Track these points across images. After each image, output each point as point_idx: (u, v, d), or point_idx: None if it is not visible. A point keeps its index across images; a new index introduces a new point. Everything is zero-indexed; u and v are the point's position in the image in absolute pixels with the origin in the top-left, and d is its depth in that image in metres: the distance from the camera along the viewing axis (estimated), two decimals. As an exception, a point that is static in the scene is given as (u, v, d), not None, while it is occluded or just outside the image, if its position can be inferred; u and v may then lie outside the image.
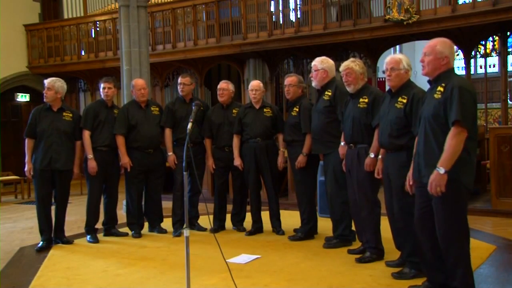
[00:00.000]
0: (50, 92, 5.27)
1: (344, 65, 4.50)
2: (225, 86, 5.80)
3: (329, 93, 4.82)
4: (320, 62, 4.92)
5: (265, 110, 5.57)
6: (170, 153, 5.70)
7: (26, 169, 5.25)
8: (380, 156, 4.09)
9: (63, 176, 5.34)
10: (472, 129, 3.12)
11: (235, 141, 5.62)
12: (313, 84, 4.98)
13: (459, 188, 3.15)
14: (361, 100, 4.39)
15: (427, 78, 3.41)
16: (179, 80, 5.83)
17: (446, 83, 3.17)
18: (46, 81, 5.33)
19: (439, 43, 3.29)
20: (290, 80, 5.35)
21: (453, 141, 3.05)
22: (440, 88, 3.20)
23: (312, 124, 5.00)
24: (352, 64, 4.45)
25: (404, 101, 3.79)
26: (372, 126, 4.28)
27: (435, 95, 3.21)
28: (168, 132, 5.72)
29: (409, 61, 3.91)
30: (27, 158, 5.25)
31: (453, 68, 3.33)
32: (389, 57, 3.99)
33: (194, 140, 5.65)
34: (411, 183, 3.49)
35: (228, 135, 5.68)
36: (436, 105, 3.19)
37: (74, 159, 5.41)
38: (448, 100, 3.11)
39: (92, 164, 5.43)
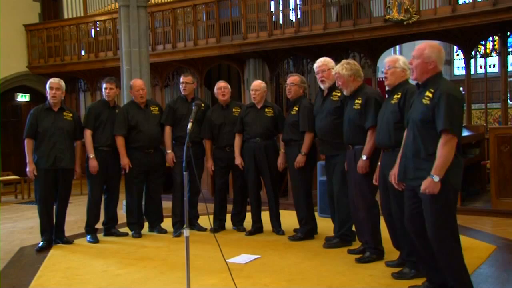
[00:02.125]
0: (58, 92, 5.31)
1: (334, 70, 4.57)
2: (225, 85, 5.81)
3: (338, 94, 4.79)
4: (330, 61, 4.93)
5: (266, 110, 5.57)
6: (168, 151, 5.69)
7: (28, 169, 5.22)
8: (379, 163, 4.08)
9: (66, 175, 5.35)
10: (460, 134, 3.18)
11: (237, 140, 5.62)
12: (325, 85, 4.87)
13: (448, 189, 3.19)
14: (356, 101, 4.41)
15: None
16: (181, 79, 5.83)
17: (435, 89, 3.22)
18: (53, 82, 5.32)
19: (428, 47, 3.33)
20: (292, 79, 5.35)
21: (444, 150, 3.11)
22: (428, 94, 3.24)
23: (318, 125, 4.94)
24: (339, 68, 4.49)
25: (398, 96, 3.84)
26: (366, 127, 4.29)
27: (424, 100, 3.25)
28: (168, 130, 5.71)
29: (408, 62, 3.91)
30: (28, 159, 5.23)
31: (440, 72, 3.37)
32: (388, 57, 4.07)
33: (193, 139, 5.64)
34: (395, 180, 3.55)
35: (229, 135, 5.68)
36: (424, 110, 3.23)
37: (75, 159, 5.42)
38: (437, 107, 3.16)
39: (93, 164, 5.43)
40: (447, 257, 3.23)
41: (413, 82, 3.64)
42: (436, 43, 3.40)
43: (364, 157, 4.28)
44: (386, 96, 4.09)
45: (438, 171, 3.11)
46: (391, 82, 3.95)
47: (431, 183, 3.13)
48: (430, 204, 3.21)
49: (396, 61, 3.96)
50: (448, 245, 3.22)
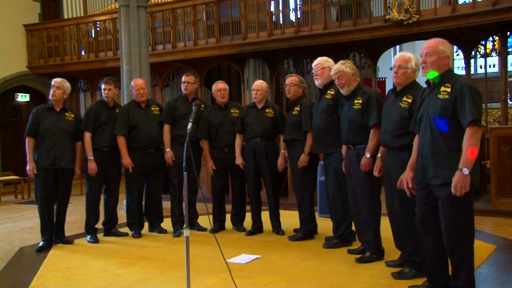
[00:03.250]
0: (59, 91, 5.32)
1: (334, 68, 4.55)
2: (224, 86, 5.79)
3: (332, 92, 4.81)
4: (326, 61, 4.96)
5: (267, 110, 5.57)
6: (168, 149, 5.68)
7: (28, 168, 5.23)
8: (379, 155, 4.09)
9: (66, 175, 5.35)
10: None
11: (238, 140, 5.62)
12: (318, 82, 4.96)
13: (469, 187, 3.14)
14: (355, 101, 4.42)
15: (425, 79, 3.40)
16: (183, 78, 5.82)
17: (452, 83, 3.18)
18: (55, 81, 5.36)
19: (440, 43, 3.28)
20: (291, 79, 5.37)
21: (472, 141, 3.05)
22: (445, 88, 3.19)
23: (313, 124, 4.99)
24: (342, 66, 4.49)
25: (409, 100, 3.79)
26: (369, 126, 4.30)
27: (440, 96, 3.20)
28: (167, 128, 5.70)
29: (418, 61, 3.85)
30: (28, 157, 5.24)
31: (452, 68, 3.34)
32: (399, 54, 4.00)
33: (191, 139, 5.61)
34: (410, 185, 3.50)
35: (228, 135, 5.67)
36: (444, 105, 3.17)
37: (76, 159, 5.42)
38: (459, 100, 3.11)
39: (92, 166, 5.44)
40: (462, 255, 3.21)
41: (421, 78, 3.60)
42: (443, 39, 3.34)
43: (367, 155, 4.28)
44: (389, 93, 4.07)
45: (467, 164, 3.04)
46: (401, 82, 3.88)
47: (461, 177, 3.05)
48: (449, 202, 3.17)
49: (409, 61, 3.88)
50: (464, 243, 3.21)
